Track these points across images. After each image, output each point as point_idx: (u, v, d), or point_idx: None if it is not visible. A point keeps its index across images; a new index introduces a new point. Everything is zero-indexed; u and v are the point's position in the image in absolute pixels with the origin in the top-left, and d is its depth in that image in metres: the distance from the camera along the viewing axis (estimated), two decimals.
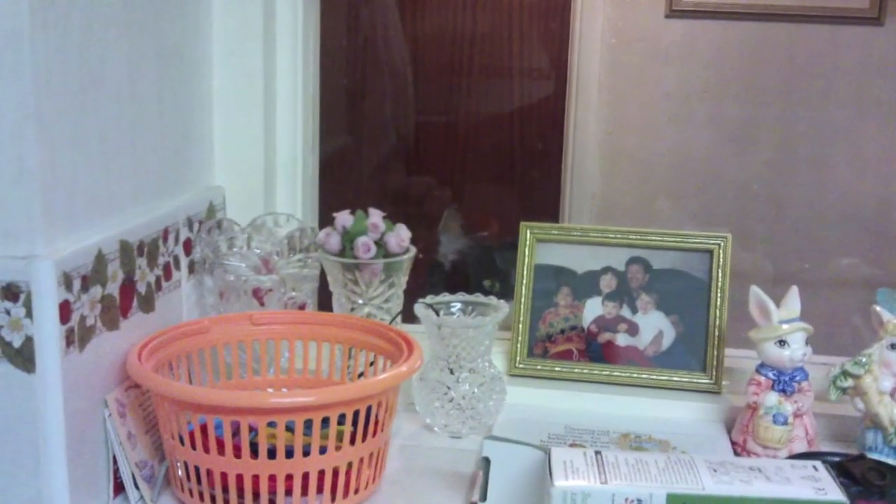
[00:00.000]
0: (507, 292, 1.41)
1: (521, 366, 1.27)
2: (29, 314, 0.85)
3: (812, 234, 2.85)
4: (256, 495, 0.92)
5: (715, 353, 1.24)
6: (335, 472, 0.94)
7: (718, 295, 1.25)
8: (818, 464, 0.89)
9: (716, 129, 2.88)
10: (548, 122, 3.00)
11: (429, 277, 1.23)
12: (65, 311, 0.87)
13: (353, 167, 2.66)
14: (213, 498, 0.94)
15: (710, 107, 2.87)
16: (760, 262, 2.75)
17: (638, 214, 2.91)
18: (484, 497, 0.93)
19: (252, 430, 0.91)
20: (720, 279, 1.25)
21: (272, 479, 0.92)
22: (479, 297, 1.21)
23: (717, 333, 1.24)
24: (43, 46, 0.85)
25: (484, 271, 1.52)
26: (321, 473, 0.93)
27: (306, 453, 0.92)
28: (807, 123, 2.85)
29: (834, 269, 2.79)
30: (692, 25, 2.82)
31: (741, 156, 2.88)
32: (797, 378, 1.11)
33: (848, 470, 1.00)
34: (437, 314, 1.15)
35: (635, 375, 1.25)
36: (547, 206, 2.92)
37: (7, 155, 0.84)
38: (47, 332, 0.86)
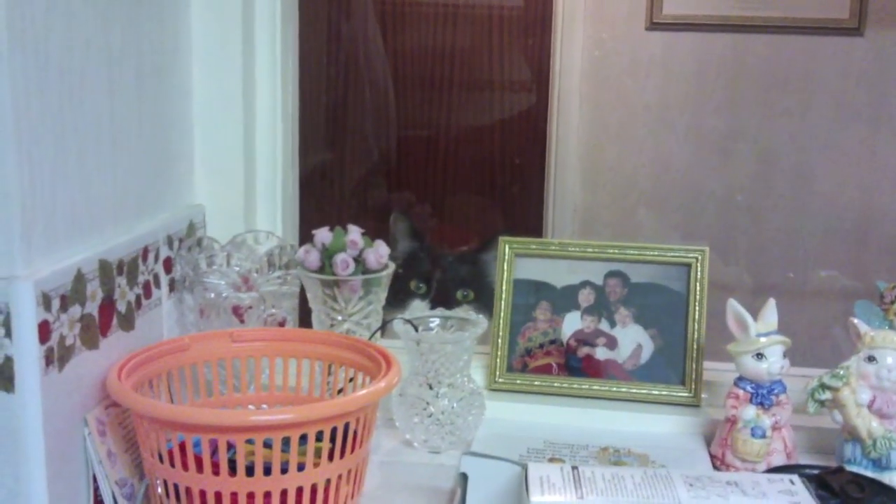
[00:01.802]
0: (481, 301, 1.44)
1: (500, 380, 1.28)
2: (8, 334, 0.85)
3: (793, 245, 2.86)
4: None
5: (694, 366, 1.25)
6: (313, 490, 0.94)
7: (697, 308, 1.26)
8: (795, 478, 0.90)
9: (696, 140, 2.89)
10: (530, 135, 3.01)
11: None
12: (44, 330, 0.88)
13: (333, 183, 2.66)
14: None
15: (691, 118, 2.89)
16: (741, 274, 2.76)
17: (620, 226, 2.92)
18: None
19: (230, 447, 0.91)
20: (698, 292, 1.26)
21: (251, 496, 0.92)
22: (457, 313, 1.21)
23: (695, 347, 1.25)
24: (21, 69, 0.85)
25: (449, 278, 1.56)
26: (299, 490, 0.93)
27: (284, 470, 0.92)
28: (787, 134, 2.86)
29: (814, 280, 2.81)
30: (672, 38, 2.83)
31: (722, 167, 2.89)
32: (775, 391, 1.12)
33: (827, 483, 1.00)
34: (416, 330, 1.16)
35: (614, 389, 1.26)
36: (529, 219, 2.94)
37: None
38: (27, 351, 0.86)
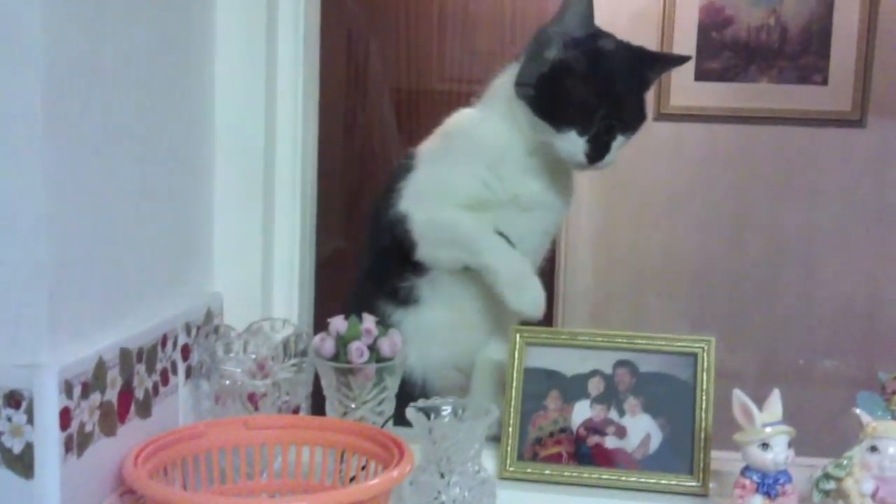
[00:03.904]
0: None
1: (511, 469, 1.29)
2: (30, 421, 0.87)
3: (801, 333, 2.88)
4: None
5: (701, 455, 1.26)
6: None
7: (704, 398, 1.27)
8: None
9: (705, 227, 2.93)
10: None
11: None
12: (65, 417, 0.90)
13: (349, 270, 2.69)
14: None
15: (700, 206, 2.93)
16: (749, 360, 2.77)
17: (631, 312, 2.94)
18: None
19: None
20: (705, 382, 1.28)
21: None
22: (470, 401, 1.23)
23: (703, 436, 1.26)
24: (56, 152, 0.89)
25: None
26: None
27: None
28: (795, 223, 2.90)
29: (821, 367, 2.82)
30: (680, 128, 2.89)
31: (731, 254, 2.93)
32: (781, 481, 1.13)
33: None
34: (429, 417, 1.17)
35: (623, 479, 1.27)
36: None
37: (19, 267, 0.88)
38: (47, 438, 0.88)
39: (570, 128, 1.35)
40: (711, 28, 2.87)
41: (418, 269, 1.44)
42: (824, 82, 2.85)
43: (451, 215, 1.41)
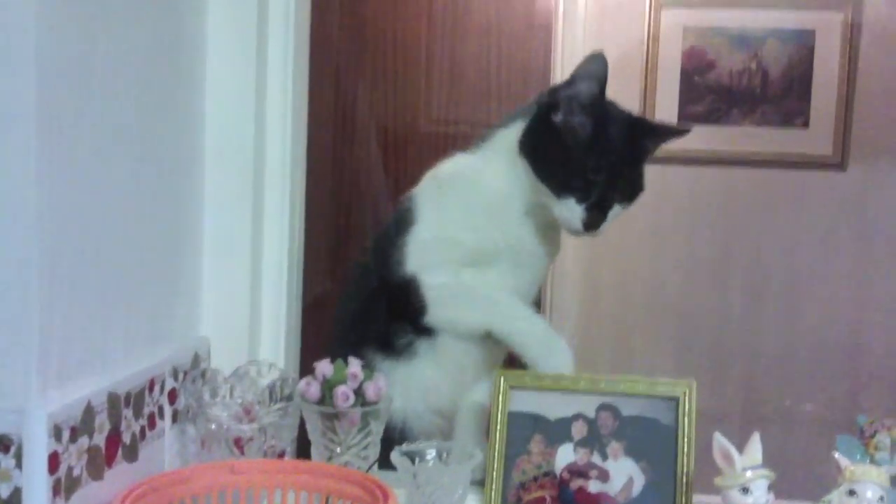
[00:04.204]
0: None
1: None
2: (19, 465, 0.88)
3: (784, 374, 2.90)
4: None
5: (683, 499, 1.26)
6: None
7: (685, 441, 1.29)
8: None
9: (689, 269, 2.95)
10: None
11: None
12: (53, 462, 0.91)
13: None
14: None
15: (683, 248, 2.95)
16: (734, 401, 2.78)
17: (615, 353, 2.95)
18: None
19: None
20: (686, 426, 1.29)
21: None
22: (454, 444, 1.24)
23: (685, 480, 1.27)
24: (48, 184, 0.90)
25: None
26: None
27: None
28: (777, 264, 2.93)
29: (803, 411, 2.84)
30: (664, 170, 2.91)
31: (714, 295, 2.95)
32: None
33: None
34: (413, 461, 1.18)
35: None
36: None
37: (7, 311, 0.89)
38: (36, 482, 0.89)
39: (569, 195, 1.37)
40: (694, 72, 2.91)
41: (423, 328, 1.44)
42: (805, 126, 2.89)
43: (469, 282, 1.42)
